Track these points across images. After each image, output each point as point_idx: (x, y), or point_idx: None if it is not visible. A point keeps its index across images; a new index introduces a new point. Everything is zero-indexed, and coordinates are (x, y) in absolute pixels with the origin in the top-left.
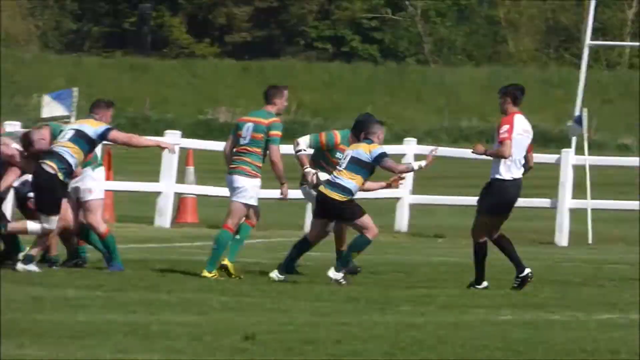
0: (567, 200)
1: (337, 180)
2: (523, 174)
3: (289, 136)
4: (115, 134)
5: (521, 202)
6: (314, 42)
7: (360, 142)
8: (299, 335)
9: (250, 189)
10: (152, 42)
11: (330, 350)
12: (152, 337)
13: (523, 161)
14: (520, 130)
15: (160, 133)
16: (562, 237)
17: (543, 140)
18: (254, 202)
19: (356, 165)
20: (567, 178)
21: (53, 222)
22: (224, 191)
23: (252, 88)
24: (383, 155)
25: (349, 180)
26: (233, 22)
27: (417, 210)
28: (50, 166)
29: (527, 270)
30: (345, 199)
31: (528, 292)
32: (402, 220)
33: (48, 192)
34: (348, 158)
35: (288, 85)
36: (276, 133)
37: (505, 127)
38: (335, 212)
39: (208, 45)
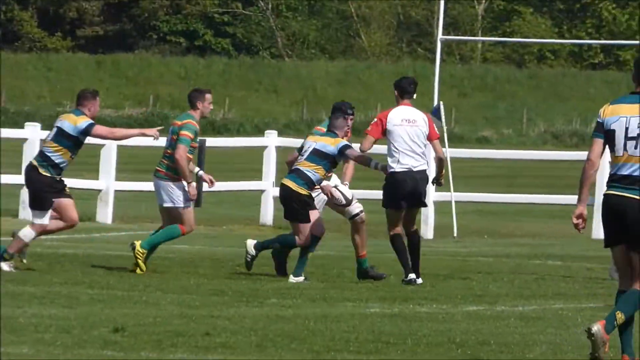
0: (431, 193)
1: (300, 169)
2: (439, 168)
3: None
4: (97, 130)
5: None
6: (166, 36)
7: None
8: (169, 328)
9: (172, 191)
10: (3, 36)
11: (201, 342)
12: (21, 329)
13: (422, 149)
14: (398, 120)
15: (20, 125)
16: (428, 230)
17: None
18: (180, 204)
19: (317, 156)
20: (430, 170)
21: (45, 218)
22: (81, 183)
23: (108, 81)
24: (347, 146)
25: (312, 170)
26: (84, 16)
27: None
28: (31, 163)
29: (411, 276)
30: (306, 193)
31: (395, 284)
32: (267, 213)
33: (33, 187)
34: (310, 149)
35: (143, 78)
36: (185, 133)
37: (373, 121)
38: (289, 203)
39: (61, 39)
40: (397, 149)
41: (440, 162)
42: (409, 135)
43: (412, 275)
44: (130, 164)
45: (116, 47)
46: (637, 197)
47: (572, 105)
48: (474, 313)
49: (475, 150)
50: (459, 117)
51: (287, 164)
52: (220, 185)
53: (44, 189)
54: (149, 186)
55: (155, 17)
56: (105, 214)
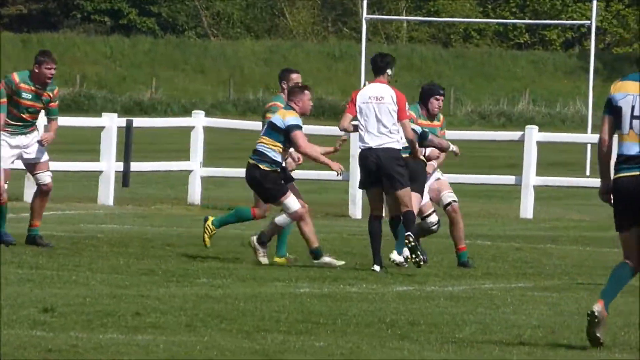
0: (358, 173)
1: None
2: (412, 147)
3: (78, 109)
4: (294, 135)
5: (312, 174)
6: (91, 15)
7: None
8: (99, 308)
9: None
10: None
11: (130, 322)
12: None
13: (388, 127)
14: (365, 98)
15: None
16: (356, 210)
17: (331, 113)
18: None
19: None
20: (357, 151)
21: (290, 205)
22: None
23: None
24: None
25: None
26: None
27: (209, 182)
28: (249, 162)
29: (375, 267)
30: None
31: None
32: (194, 192)
33: (259, 183)
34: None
35: (69, 58)
36: (269, 116)
37: (349, 99)
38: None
39: None
40: (363, 126)
41: (411, 142)
42: (375, 113)
43: (377, 267)
44: (58, 143)
45: (41, 27)
46: None
47: (499, 84)
48: (404, 293)
49: None
50: None
51: None
52: (148, 166)
53: (269, 185)
54: (76, 166)
55: None
56: (32, 194)
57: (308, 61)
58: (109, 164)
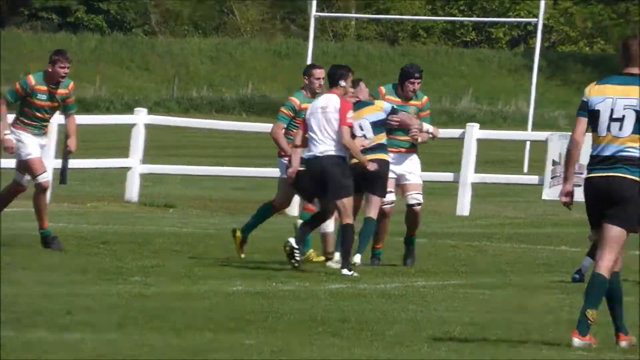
0: None
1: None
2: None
3: None
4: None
5: (252, 172)
6: (38, 12)
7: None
8: (29, 307)
9: (280, 166)
10: None
11: (61, 321)
12: None
13: (333, 135)
14: (313, 109)
15: None
16: (294, 208)
17: (275, 110)
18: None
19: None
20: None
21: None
22: None
23: None
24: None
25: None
26: None
27: (147, 179)
28: None
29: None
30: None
31: (259, 261)
32: (132, 189)
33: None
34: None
35: (14, 55)
36: (281, 110)
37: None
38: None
39: None
40: (309, 136)
41: (349, 149)
42: (319, 122)
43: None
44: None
45: None
46: (622, 175)
47: (444, 82)
48: (337, 291)
49: None
50: None
51: None
52: (86, 163)
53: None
54: (12, 163)
55: None
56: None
57: (254, 59)
58: (47, 161)
